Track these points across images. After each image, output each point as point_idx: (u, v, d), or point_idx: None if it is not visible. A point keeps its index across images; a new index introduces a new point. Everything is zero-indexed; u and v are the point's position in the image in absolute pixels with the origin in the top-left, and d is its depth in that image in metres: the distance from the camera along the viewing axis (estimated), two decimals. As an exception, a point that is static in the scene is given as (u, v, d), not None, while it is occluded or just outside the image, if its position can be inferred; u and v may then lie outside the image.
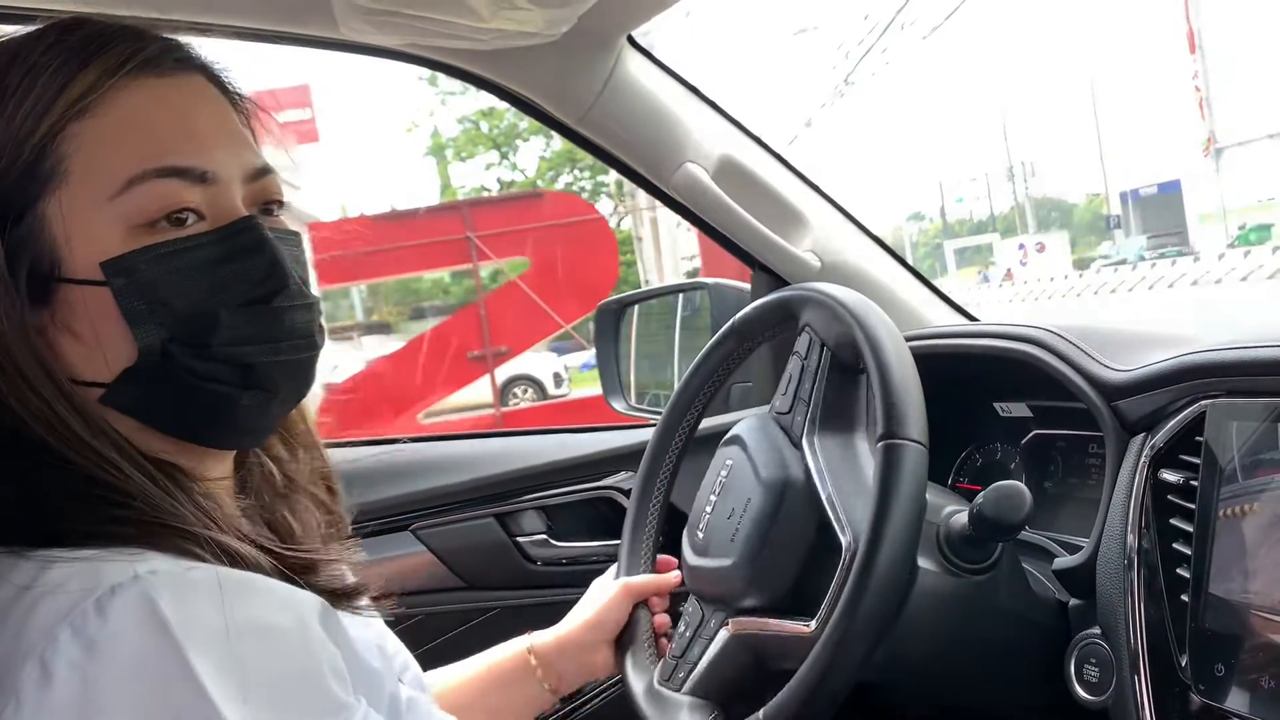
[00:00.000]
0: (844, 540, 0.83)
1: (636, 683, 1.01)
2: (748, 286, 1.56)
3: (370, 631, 0.75)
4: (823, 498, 0.88)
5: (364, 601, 0.76)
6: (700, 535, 1.02)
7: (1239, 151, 28.85)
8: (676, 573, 1.08)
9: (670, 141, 1.29)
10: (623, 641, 1.06)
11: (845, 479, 0.88)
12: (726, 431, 1.42)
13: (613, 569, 1.13)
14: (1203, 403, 0.87)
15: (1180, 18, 29.91)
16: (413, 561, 1.35)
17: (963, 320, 1.50)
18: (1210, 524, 0.83)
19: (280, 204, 0.71)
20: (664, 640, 1.05)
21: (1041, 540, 1.10)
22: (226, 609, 0.56)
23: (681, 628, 1.00)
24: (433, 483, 1.37)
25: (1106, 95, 36.70)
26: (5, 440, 0.61)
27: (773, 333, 1.08)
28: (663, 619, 1.07)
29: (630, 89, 1.25)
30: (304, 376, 0.71)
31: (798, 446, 0.95)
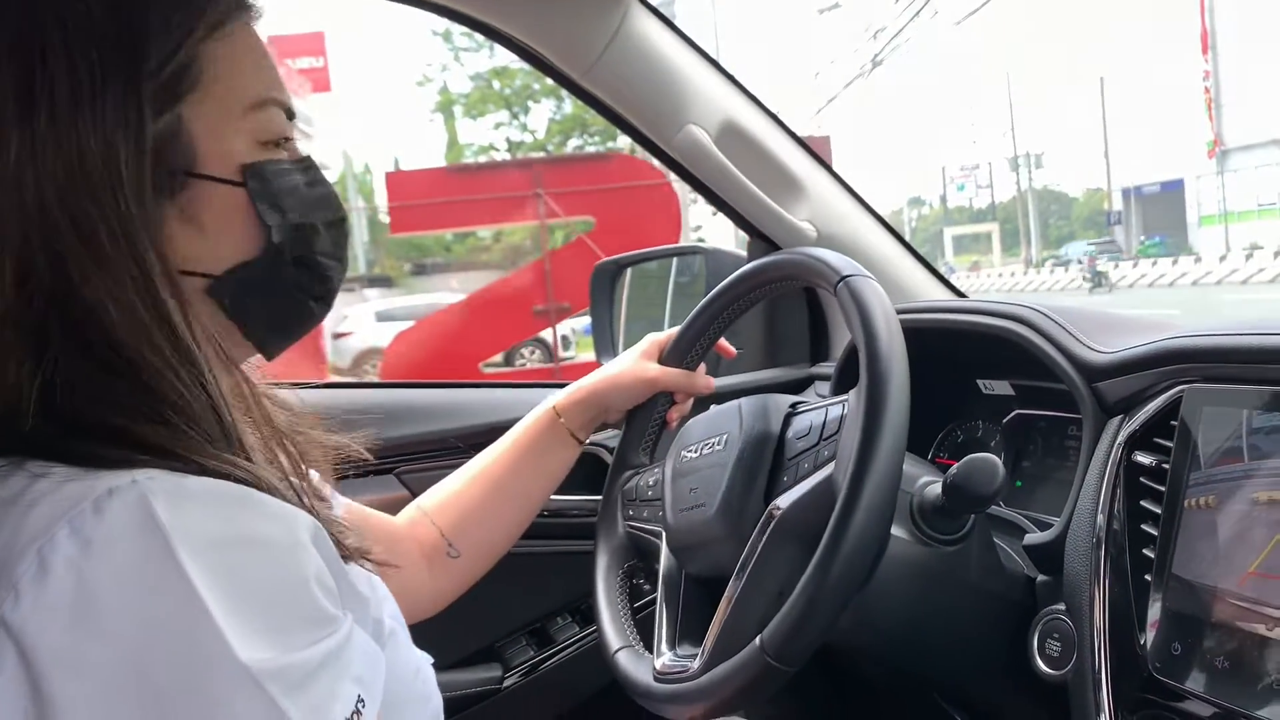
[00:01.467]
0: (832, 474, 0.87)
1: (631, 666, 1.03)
2: (744, 254, 1.57)
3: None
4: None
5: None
6: (674, 491, 1.04)
7: (1243, 155, 28.79)
8: (707, 378, 1.20)
9: (674, 102, 1.29)
10: (634, 418, 1.19)
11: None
12: (715, 396, 1.44)
13: (644, 345, 1.20)
14: (1179, 387, 0.88)
15: (1195, 17, 29.74)
16: (395, 503, 1.36)
17: (953, 297, 1.51)
18: (1178, 506, 0.84)
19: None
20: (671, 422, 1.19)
21: (1015, 517, 1.12)
22: (221, 519, 0.58)
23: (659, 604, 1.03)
24: (418, 428, 1.38)
25: (1116, 91, 36.56)
26: (81, 331, 0.62)
27: (765, 293, 1.10)
28: (677, 410, 1.20)
29: (636, 46, 1.25)
30: (335, 298, 0.79)
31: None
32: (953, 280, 1.57)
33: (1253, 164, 29.68)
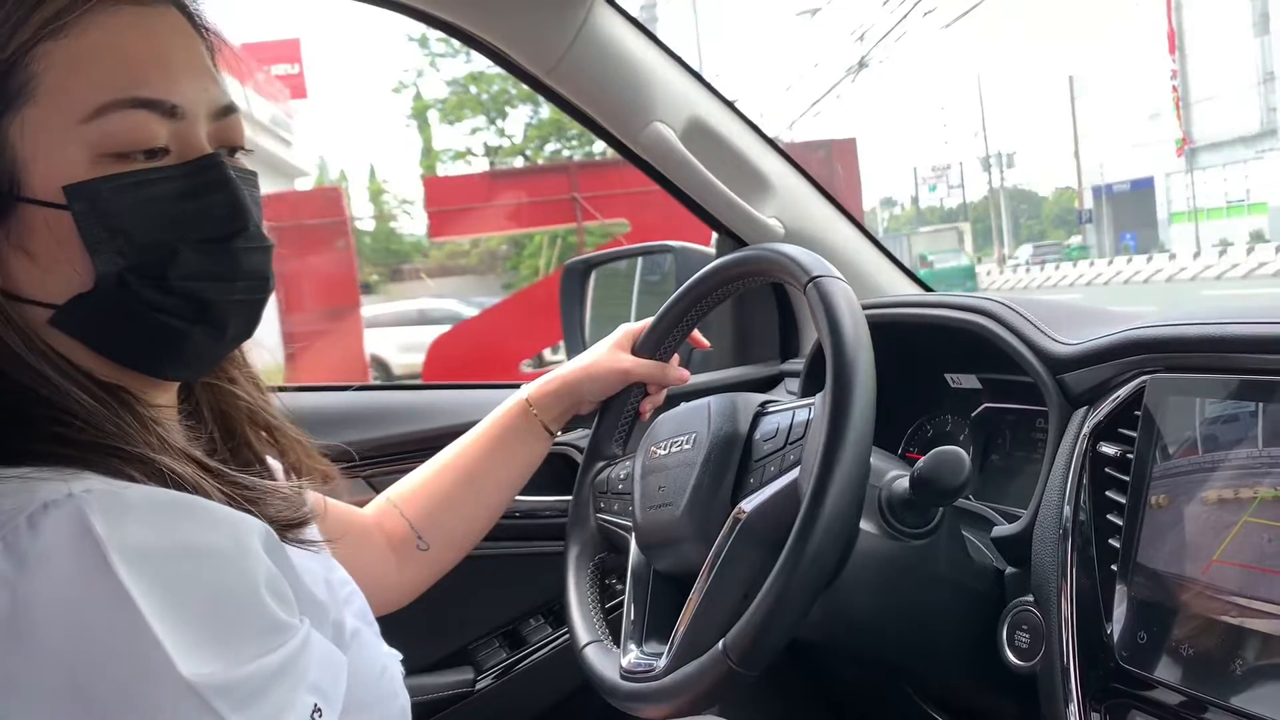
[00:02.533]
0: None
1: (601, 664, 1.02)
2: (713, 251, 1.57)
3: (316, 563, 0.75)
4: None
5: (311, 534, 0.76)
6: (644, 487, 1.04)
7: (1212, 153, 29.16)
8: (681, 370, 1.19)
9: (639, 99, 1.29)
10: (607, 409, 1.18)
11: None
12: (684, 395, 1.44)
13: (618, 335, 1.19)
14: (1143, 378, 0.89)
15: (1162, 17, 30.09)
16: None
17: (920, 291, 1.52)
18: (1142, 497, 0.84)
19: (243, 149, 0.72)
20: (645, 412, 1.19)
21: (983, 510, 1.12)
22: (161, 529, 0.56)
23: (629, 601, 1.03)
24: (389, 431, 1.37)
25: (1086, 91, 36.93)
26: None
27: (735, 288, 1.09)
28: (650, 401, 1.19)
29: (601, 43, 1.24)
30: (254, 317, 0.72)
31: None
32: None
33: (1220, 161, 30.07)
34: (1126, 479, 0.88)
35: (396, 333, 14.58)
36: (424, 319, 15.89)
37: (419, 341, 14.06)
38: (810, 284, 0.91)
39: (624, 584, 1.07)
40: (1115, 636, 0.84)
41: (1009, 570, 1.01)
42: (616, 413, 1.19)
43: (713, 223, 1.47)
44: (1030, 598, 0.96)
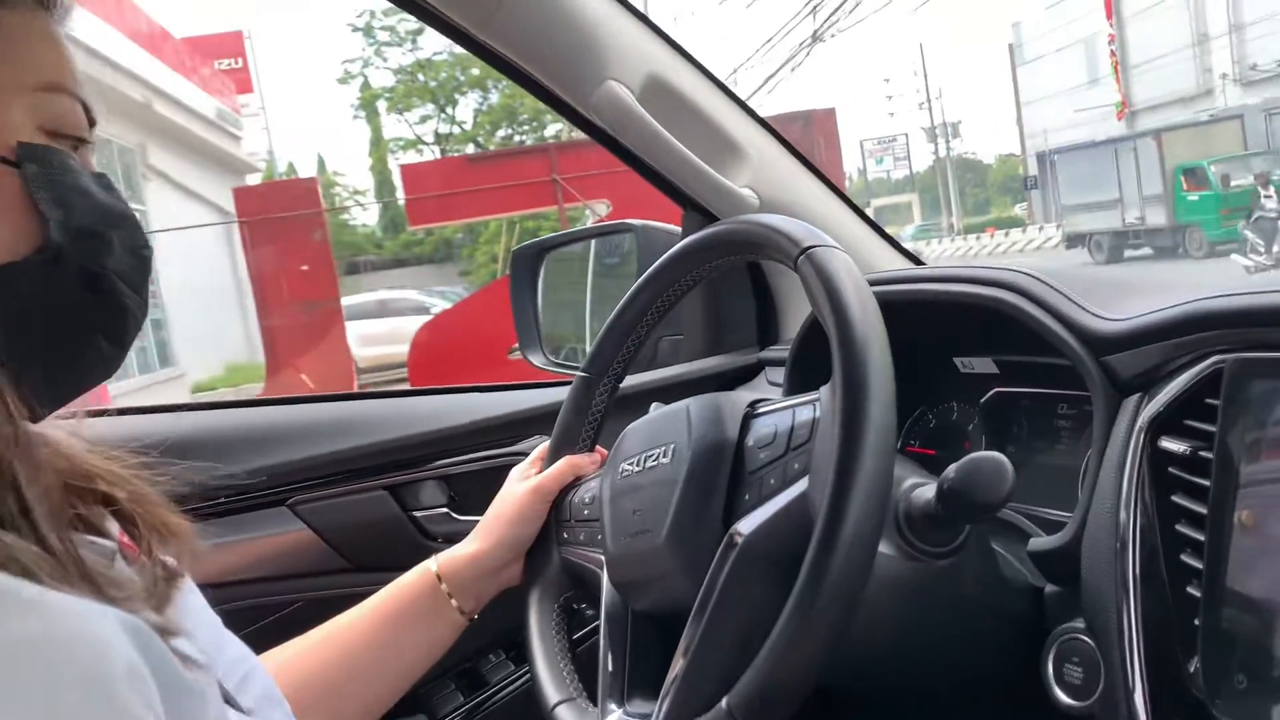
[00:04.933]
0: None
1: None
2: (679, 229, 1.40)
3: (202, 641, 0.58)
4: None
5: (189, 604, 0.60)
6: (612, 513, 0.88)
7: (1151, 115, 29.50)
8: (595, 453, 1.00)
9: (589, 56, 1.11)
10: (533, 556, 0.98)
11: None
12: (654, 390, 1.27)
13: (520, 466, 1.02)
14: (1216, 358, 0.73)
15: (1100, -18, 30.38)
16: (290, 540, 1.17)
17: (913, 266, 1.36)
18: (1228, 504, 0.69)
19: None
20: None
21: (1011, 516, 0.97)
22: None
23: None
24: (316, 450, 1.19)
25: (1026, 59, 37.17)
26: None
27: (708, 271, 0.93)
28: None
29: (542, -10, 1.06)
30: (127, 347, 0.64)
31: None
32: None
33: (1159, 123, 30.41)
34: (1200, 482, 0.72)
35: (357, 326, 14.35)
36: (385, 310, 15.67)
37: (381, 333, 13.87)
38: (803, 256, 0.76)
39: (595, 612, 0.91)
40: (1200, 678, 0.69)
41: (1049, 588, 0.86)
42: (579, 416, 1.02)
43: (678, 196, 1.30)
44: (1081, 623, 0.81)
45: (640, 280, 0.97)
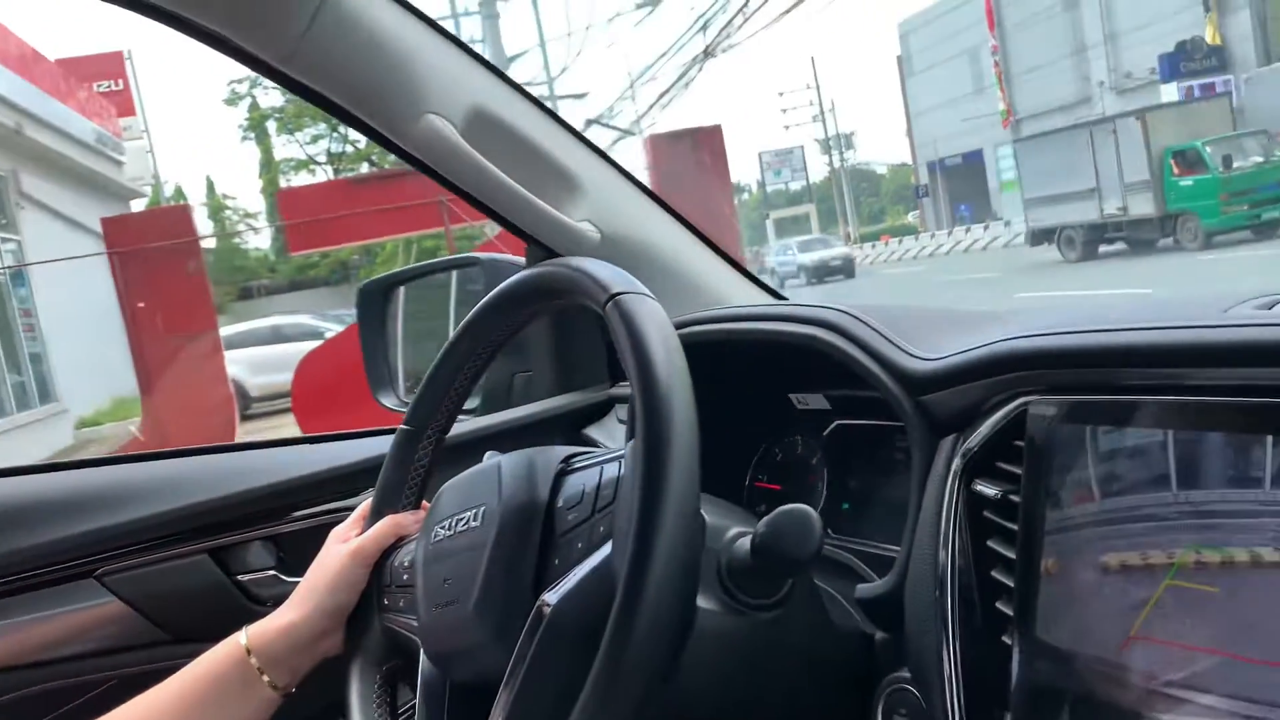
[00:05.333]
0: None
1: None
2: (525, 262, 1.35)
3: None
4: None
5: None
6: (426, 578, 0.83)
7: (1034, 123, 30.56)
8: (420, 511, 0.94)
9: (406, 89, 1.06)
10: (354, 624, 0.91)
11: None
12: (492, 436, 1.22)
13: (340, 528, 0.96)
14: (1022, 399, 0.72)
15: (981, -5, 31.42)
16: (100, 614, 1.09)
17: (768, 299, 1.34)
18: (1036, 550, 0.67)
19: None
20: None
21: (845, 558, 0.94)
22: None
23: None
24: (128, 515, 1.10)
25: (915, 71, 38.22)
26: None
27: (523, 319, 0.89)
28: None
29: (348, 24, 1.00)
30: None
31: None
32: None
33: (1041, 130, 31.56)
34: (1011, 526, 0.71)
35: (250, 354, 13.89)
36: (278, 336, 15.24)
37: (275, 360, 13.45)
38: (611, 303, 0.72)
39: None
40: (1016, 730, 0.67)
41: (879, 635, 0.84)
42: (400, 472, 0.96)
43: (517, 231, 1.25)
44: (907, 673, 0.79)
45: (457, 330, 0.93)
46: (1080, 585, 0.64)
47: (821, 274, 27.09)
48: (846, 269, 27.67)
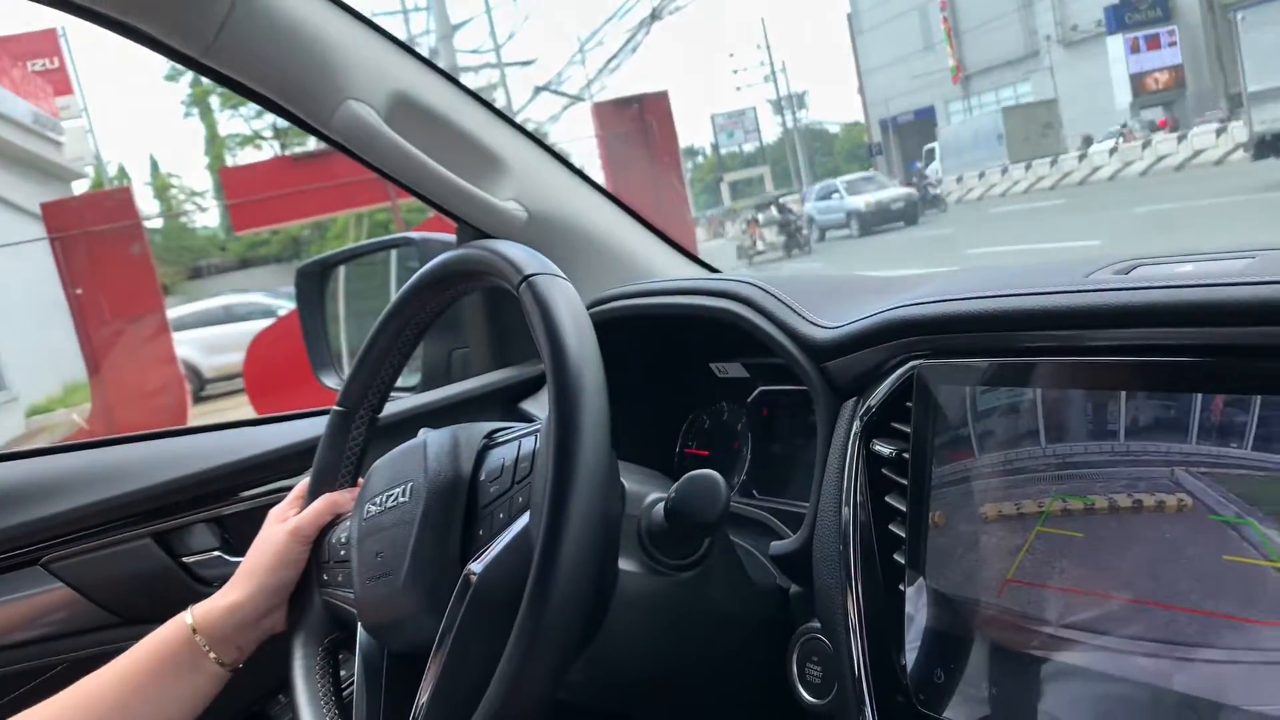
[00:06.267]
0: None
1: None
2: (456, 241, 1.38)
3: None
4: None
5: None
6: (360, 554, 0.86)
7: (983, 78, 30.76)
8: (350, 491, 0.97)
9: (325, 76, 1.07)
10: (296, 601, 0.95)
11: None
12: (429, 414, 1.25)
13: (278, 507, 0.99)
14: (913, 363, 0.76)
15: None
16: (47, 600, 1.11)
17: (700, 272, 1.37)
18: (924, 504, 0.72)
19: None
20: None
21: (762, 516, 0.99)
22: None
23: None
24: (71, 503, 1.12)
25: (863, 29, 38.24)
26: None
27: (445, 300, 0.92)
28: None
29: (265, 14, 1.02)
30: None
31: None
32: None
33: (992, 85, 31.76)
34: (904, 483, 0.75)
35: (202, 334, 13.70)
36: (230, 316, 15.03)
37: (228, 340, 13.29)
38: (524, 284, 0.75)
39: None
40: (909, 672, 0.72)
41: (794, 589, 0.89)
42: (335, 454, 0.99)
43: (445, 212, 1.27)
44: (818, 624, 0.84)
45: (384, 314, 0.95)
46: (963, 535, 0.69)
47: (880, 220, 21.05)
48: (909, 213, 21.22)
